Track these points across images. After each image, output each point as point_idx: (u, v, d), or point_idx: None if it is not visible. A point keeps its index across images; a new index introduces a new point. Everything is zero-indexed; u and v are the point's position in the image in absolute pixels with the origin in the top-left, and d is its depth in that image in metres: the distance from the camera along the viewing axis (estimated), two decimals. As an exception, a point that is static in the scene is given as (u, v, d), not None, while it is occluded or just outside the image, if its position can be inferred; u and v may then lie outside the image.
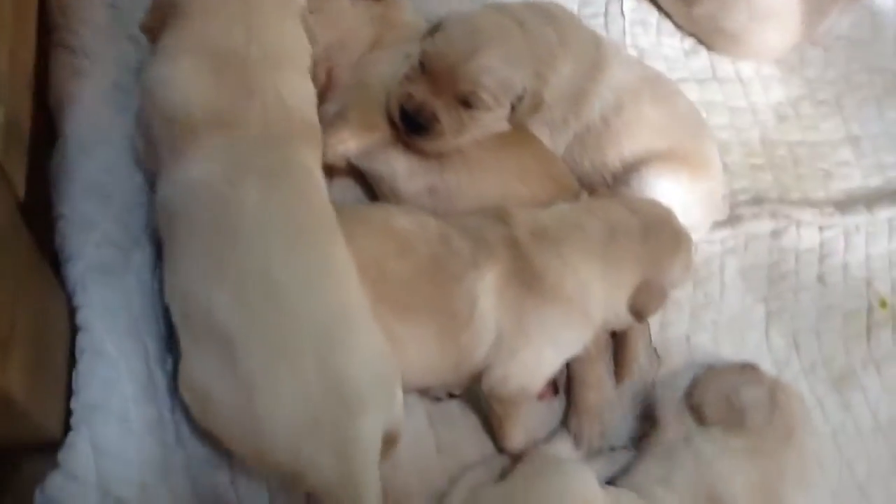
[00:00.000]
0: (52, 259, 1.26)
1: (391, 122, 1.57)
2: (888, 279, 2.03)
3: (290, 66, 1.32)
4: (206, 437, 1.23)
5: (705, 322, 1.85)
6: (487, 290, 1.43)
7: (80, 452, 1.12)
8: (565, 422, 1.64)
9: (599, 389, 1.64)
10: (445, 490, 1.51)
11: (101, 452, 1.14)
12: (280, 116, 1.26)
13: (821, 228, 2.03)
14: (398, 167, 1.60)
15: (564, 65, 1.68)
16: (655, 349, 1.77)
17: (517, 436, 1.56)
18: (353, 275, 1.27)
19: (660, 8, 2.20)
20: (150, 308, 1.29)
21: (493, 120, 1.58)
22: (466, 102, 1.53)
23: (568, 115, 1.73)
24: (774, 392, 1.59)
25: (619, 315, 1.52)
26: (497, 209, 1.53)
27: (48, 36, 1.40)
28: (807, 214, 2.02)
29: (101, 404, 1.15)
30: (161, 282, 1.23)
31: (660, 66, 2.10)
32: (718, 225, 1.93)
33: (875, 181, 2.17)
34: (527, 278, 1.44)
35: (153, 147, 1.27)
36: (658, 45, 2.17)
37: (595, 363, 1.63)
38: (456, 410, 1.60)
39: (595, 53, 1.74)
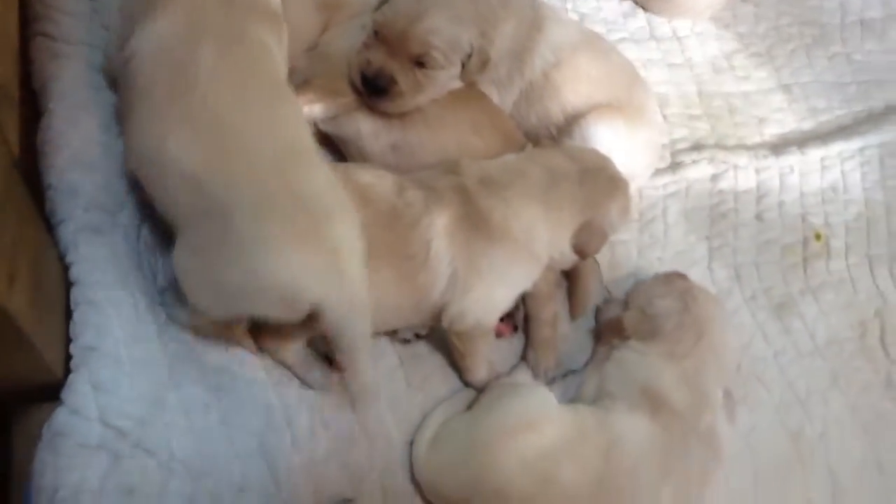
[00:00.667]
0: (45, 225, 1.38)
1: (354, 89, 1.70)
2: (821, 214, 2.18)
3: None
4: (206, 290, 1.32)
5: (651, 259, 1.99)
6: (439, 233, 1.55)
7: (80, 390, 1.25)
8: (524, 356, 1.78)
9: (553, 325, 1.77)
10: (418, 421, 1.64)
11: (100, 389, 1.26)
12: None
13: (757, 171, 2.18)
14: (363, 128, 1.74)
15: (506, 24, 1.82)
16: (606, 287, 1.92)
17: (480, 370, 1.69)
18: (303, 132, 1.41)
19: (597, -26, 2.33)
20: (136, 262, 1.43)
21: (447, 78, 1.72)
22: (420, 63, 1.67)
23: (513, 72, 1.86)
24: (685, 298, 1.72)
25: (564, 253, 1.65)
26: (449, 162, 1.66)
27: (28, 27, 1.52)
28: (743, 158, 2.16)
29: (97, 347, 1.27)
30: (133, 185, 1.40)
31: (600, 28, 2.24)
32: (660, 171, 2.08)
33: (807, 125, 2.31)
34: (475, 221, 1.56)
35: (127, 17, 1.39)
36: (598, 9, 2.30)
37: (548, 301, 1.77)
38: (424, 350, 1.73)
39: (533, 13, 1.88)
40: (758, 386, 1.91)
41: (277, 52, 1.43)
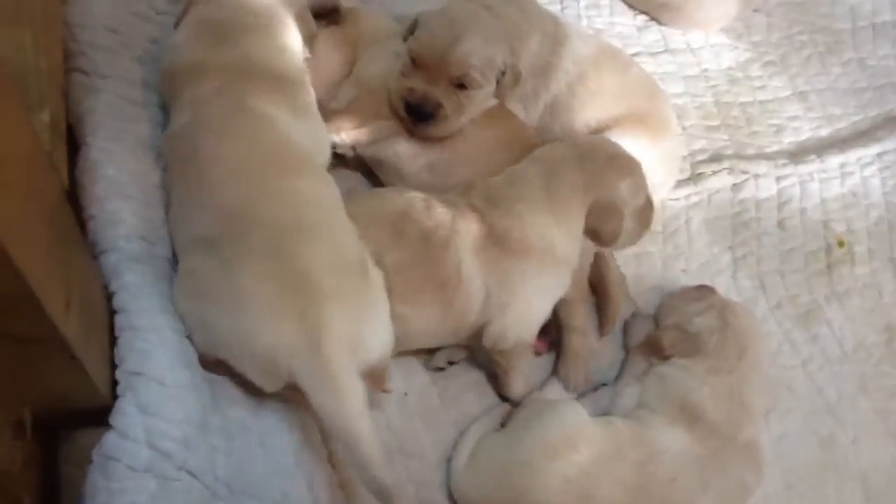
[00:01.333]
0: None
1: (397, 116, 1.74)
2: (843, 220, 2.21)
3: (264, 31, 1.55)
4: (197, 331, 1.36)
5: (676, 271, 2.02)
6: (468, 253, 1.57)
7: (128, 414, 1.26)
8: (555, 371, 1.79)
9: (584, 335, 1.79)
10: (452, 438, 1.66)
11: (146, 412, 1.28)
12: (240, 65, 1.48)
13: (777, 179, 2.20)
14: (401, 150, 1.78)
15: (531, 39, 1.87)
16: (633, 300, 1.94)
17: (518, 385, 1.71)
18: (314, 203, 1.42)
19: (611, -11, 2.36)
20: (176, 291, 1.46)
21: (485, 97, 1.76)
22: (461, 85, 1.71)
23: (538, 87, 1.90)
24: (724, 314, 1.74)
25: (583, 243, 1.65)
26: (466, 185, 1.69)
27: (65, 63, 1.56)
28: (763, 167, 2.19)
29: (142, 371, 1.29)
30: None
31: (615, 43, 2.27)
32: (682, 183, 2.11)
33: (824, 131, 2.34)
34: (497, 239, 1.59)
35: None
36: (612, 24, 2.34)
37: (578, 308, 1.78)
38: (456, 368, 1.75)
39: (555, 28, 1.92)
40: (787, 394, 1.92)
41: (284, 117, 1.47)
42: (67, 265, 1.00)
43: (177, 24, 1.60)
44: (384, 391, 1.59)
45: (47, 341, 0.92)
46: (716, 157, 2.19)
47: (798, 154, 2.25)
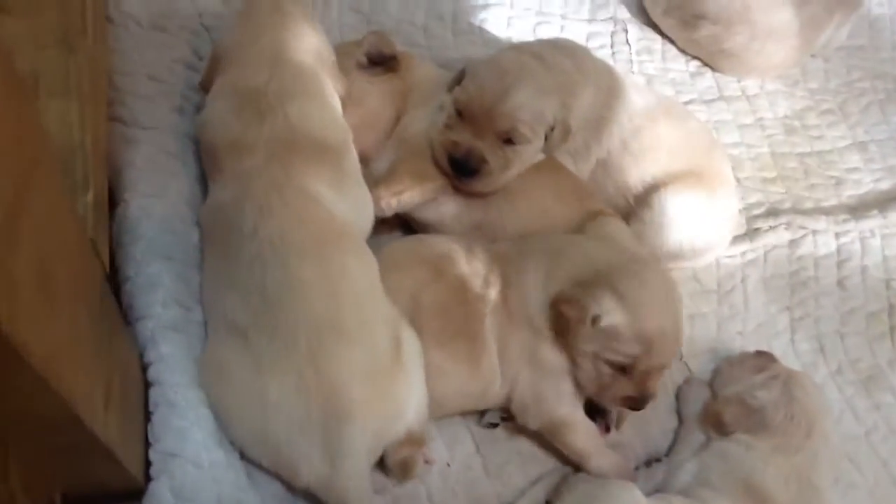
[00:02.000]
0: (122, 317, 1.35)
1: (441, 171, 1.66)
2: (906, 279, 2.10)
3: (303, 95, 1.49)
4: (218, 423, 1.32)
5: (731, 333, 1.91)
6: (491, 309, 1.51)
7: (162, 499, 1.20)
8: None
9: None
10: (498, 512, 1.57)
11: (182, 498, 1.21)
12: (283, 138, 1.42)
13: (836, 235, 2.10)
14: (445, 211, 1.70)
15: (584, 93, 1.79)
16: (686, 363, 1.84)
17: (595, 460, 1.57)
18: (356, 288, 1.37)
19: (663, 34, 2.29)
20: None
21: (532, 152, 1.68)
22: (508, 140, 1.63)
23: (590, 141, 1.82)
24: (789, 386, 1.63)
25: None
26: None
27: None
28: (821, 222, 2.09)
29: (178, 453, 1.23)
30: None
31: (668, 90, 2.20)
32: (737, 239, 2.01)
33: (885, 184, 2.24)
34: (505, 299, 1.51)
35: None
36: (664, 70, 2.26)
37: None
38: (501, 435, 1.65)
39: (610, 80, 1.84)
40: (850, 467, 1.81)
41: (328, 191, 1.42)
42: (108, 359, 0.94)
43: (204, 86, 1.55)
44: (427, 462, 1.53)
45: (85, 445, 0.86)
46: (772, 212, 2.10)
47: (858, 209, 2.16)
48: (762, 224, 2.06)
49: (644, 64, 2.25)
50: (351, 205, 1.48)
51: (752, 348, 1.84)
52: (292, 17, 1.56)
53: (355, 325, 1.33)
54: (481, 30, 2.16)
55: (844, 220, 2.11)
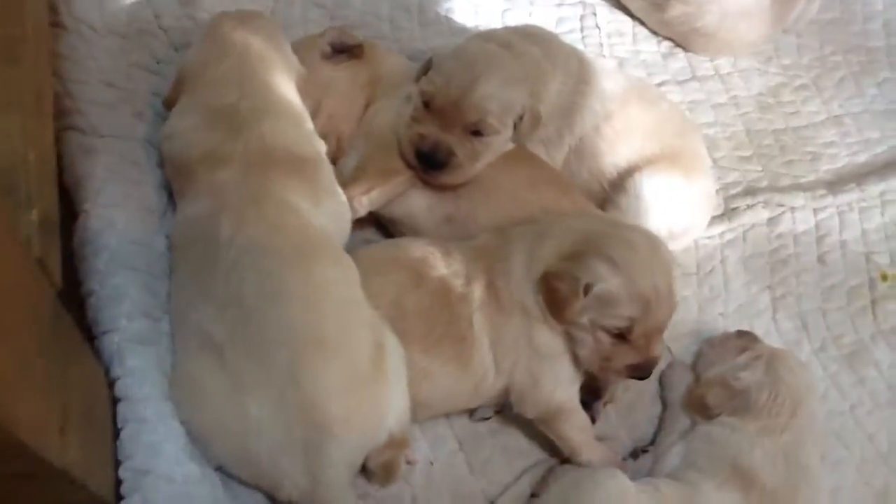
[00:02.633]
0: (85, 330, 1.32)
1: (408, 164, 1.63)
2: (886, 251, 2.09)
3: (275, 114, 1.48)
4: (194, 442, 1.29)
5: (713, 315, 1.90)
6: (478, 307, 1.49)
7: (134, 518, 1.18)
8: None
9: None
10: (483, 509, 1.55)
11: (155, 515, 1.19)
12: (259, 152, 1.41)
13: (815, 211, 2.09)
14: (415, 205, 1.67)
15: (553, 80, 1.76)
16: (668, 347, 1.82)
17: (586, 452, 1.56)
18: (336, 297, 1.35)
19: (633, 16, 2.26)
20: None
21: (501, 142, 1.65)
22: (476, 131, 1.60)
23: (562, 129, 1.79)
24: (773, 365, 1.62)
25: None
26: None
27: (58, 121, 1.46)
28: (799, 199, 2.08)
29: (150, 469, 1.19)
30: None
31: (639, 72, 2.18)
32: (715, 220, 2.00)
33: (862, 157, 2.23)
34: (493, 291, 1.50)
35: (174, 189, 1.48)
36: (636, 52, 2.23)
37: None
38: (484, 431, 1.64)
39: (579, 66, 1.81)
40: (836, 443, 1.81)
41: (305, 203, 1.40)
42: (64, 382, 0.91)
43: (168, 104, 1.53)
44: (409, 462, 1.52)
45: (42, 474, 0.83)
46: (750, 191, 2.08)
47: (836, 183, 2.14)
48: (740, 203, 2.04)
49: (615, 47, 2.22)
50: (328, 215, 1.46)
51: (734, 329, 1.83)
52: (257, 35, 1.54)
53: (336, 336, 1.30)
54: (448, 19, 2.12)
55: (822, 196, 2.10)
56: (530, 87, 1.66)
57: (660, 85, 2.17)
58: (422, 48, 2.01)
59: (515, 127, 1.64)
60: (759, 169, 2.13)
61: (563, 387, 1.53)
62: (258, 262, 1.30)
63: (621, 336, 1.46)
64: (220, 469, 1.32)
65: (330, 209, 1.48)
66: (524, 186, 1.69)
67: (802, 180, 2.15)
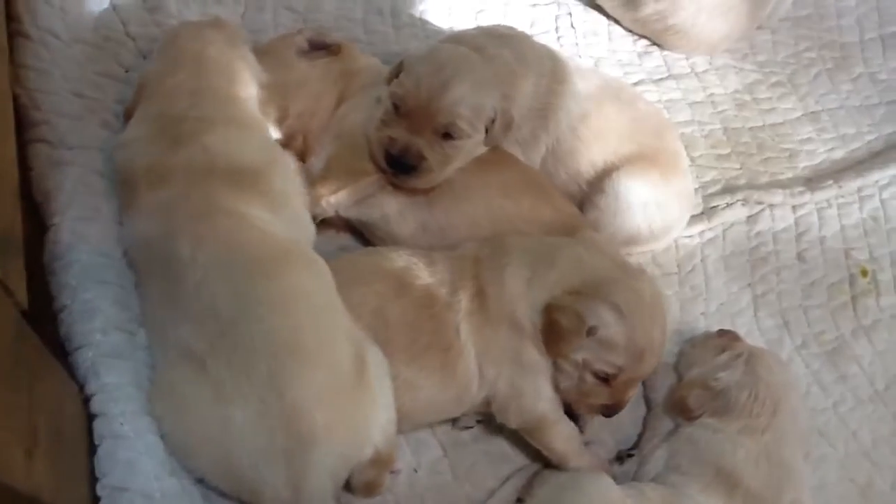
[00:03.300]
0: (58, 346, 1.29)
1: (378, 168, 1.61)
2: (865, 247, 2.10)
3: (223, 124, 1.45)
4: (176, 453, 1.27)
5: (695, 314, 1.90)
6: (464, 316, 1.47)
7: (112, 537, 1.15)
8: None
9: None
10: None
11: (133, 534, 1.16)
12: (201, 165, 1.39)
13: (793, 208, 2.09)
14: (388, 210, 1.65)
15: (526, 82, 1.75)
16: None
17: (574, 460, 1.55)
18: (312, 304, 1.33)
19: (608, 15, 2.25)
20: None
21: (473, 146, 1.63)
22: (447, 134, 1.58)
23: (537, 130, 1.78)
24: (752, 364, 1.61)
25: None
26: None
27: (25, 134, 1.43)
28: (778, 196, 2.08)
29: (127, 486, 1.17)
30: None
31: (615, 71, 2.17)
32: (694, 219, 1.99)
33: (839, 153, 2.24)
34: (482, 300, 1.48)
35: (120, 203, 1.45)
36: (611, 51, 2.23)
37: None
38: (468, 438, 1.63)
39: (552, 65, 1.80)
40: (820, 440, 1.81)
41: (258, 212, 1.38)
42: (29, 405, 0.88)
43: (127, 115, 1.51)
44: (392, 472, 1.50)
45: (7, 497, 0.80)
46: (728, 189, 2.08)
47: (814, 180, 2.15)
48: (719, 202, 2.04)
49: (590, 46, 2.21)
50: (290, 223, 1.44)
51: (715, 328, 1.83)
52: (214, 45, 1.52)
53: (314, 344, 1.28)
54: (422, 21, 2.11)
55: (800, 193, 2.10)
56: (502, 90, 1.64)
57: (636, 84, 2.16)
58: (396, 51, 1.99)
59: (487, 131, 1.63)
60: (738, 167, 2.13)
61: (544, 399, 1.52)
62: (226, 275, 1.28)
63: (605, 379, 1.47)
64: (200, 482, 1.29)
65: (290, 215, 1.46)
66: (499, 192, 1.67)
67: (780, 177, 2.15)
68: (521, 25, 2.09)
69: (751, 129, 2.21)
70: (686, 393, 1.61)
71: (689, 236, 1.98)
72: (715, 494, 1.48)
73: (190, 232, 1.31)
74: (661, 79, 2.22)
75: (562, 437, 1.54)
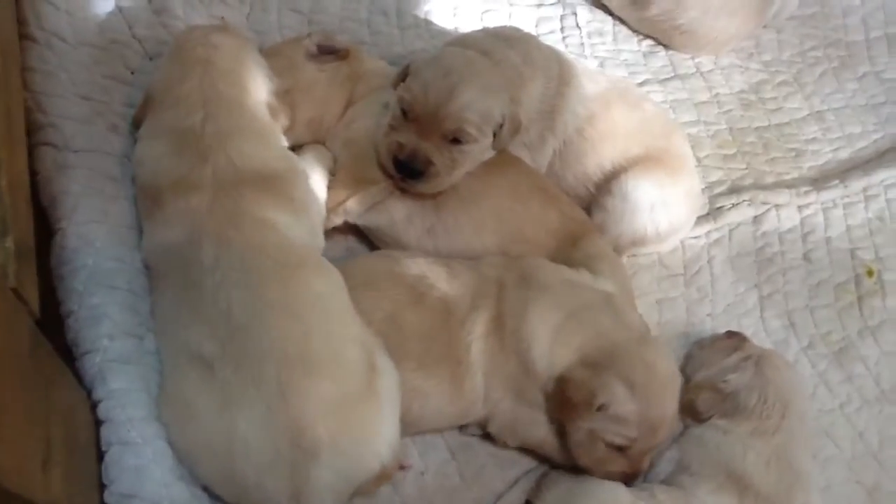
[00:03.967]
0: (66, 351, 1.29)
1: (385, 173, 1.61)
2: (871, 247, 2.09)
3: (240, 133, 1.45)
4: (181, 460, 1.27)
5: (701, 316, 1.89)
6: (478, 337, 1.47)
7: (121, 545, 1.15)
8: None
9: None
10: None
11: (142, 542, 1.16)
12: (229, 175, 1.39)
13: (799, 208, 2.09)
14: (396, 215, 1.64)
15: (533, 84, 1.74)
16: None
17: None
18: (324, 310, 1.33)
19: (614, 15, 2.25)
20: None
21: (481, 151, 1.63)
22: (455, 140, 1.57)
23: (544, 132, 1.77)
24: (761, 366, 1.61)
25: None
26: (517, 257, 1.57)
27: (31, 137, 1.43)
28: (783, 196, 2.07)
29: (136, 493, 1.17)
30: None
31: (621, 71, 2.16)
32: (701, 219, 1.98)
33: (844, 153, 2.23)
34: (499, 326, 1.47)
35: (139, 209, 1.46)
36: (617, 51, 2.22)
37: None
38: (476, 441, 1.61)
39: (559, 68, 1.79)
40: (826, 441, 1.80)
41: (282, 217, 1.39)
42: (45, 415, 0.88)
43: (136, 124, 1.50)
44: (402, 468, 1.51)
45: (27, 511, 0.79)
46: (734, 189, 2.07)
47: (819, 180, 2.14)
48: (725, 202, 2.03)
49: (596, 47, 2.20)
50: (307, 228, 1.45)
51: (722, 330, 1.82)
52: (222, 52, 1.51)
53: (325, 353, 1.28)
54: (427, 22, 2.10)
55: (806, 193, 2.09)
56: (510, 94, 1.63)
57: (641, 84, 2.15)
58: (401, 52, 1.98)
59: (495, 135, 1.62)
60: (744, 167, 2.12)
61: (542, 428, 1.52)
62: (243, 280, 1.28)
63: (619, 448, 1.46)
64: (207, 490, 1.29)
65: (307, 221, 1.46)
66: (507, 196, 1.67)
67: (786, 177, 2.14)
68: (527, 26, 2.09)
69: (756, 128, 2.20)
70: (695, 395, 1.61)
71: (696, 237, 1.97)
72: (726, 496, 1.48)
73: (217, 235, 1.31)
74: (666, 79, 2.21)
75: (561, 453, 1.53)
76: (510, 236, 1.63)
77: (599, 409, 1.41)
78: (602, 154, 1.78)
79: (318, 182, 1.58)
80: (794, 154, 2.19)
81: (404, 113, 1.56)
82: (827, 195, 2.11)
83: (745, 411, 1.57)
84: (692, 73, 2.24)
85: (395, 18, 2.07)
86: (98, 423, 1.23)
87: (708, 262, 1.97)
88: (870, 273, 2.05)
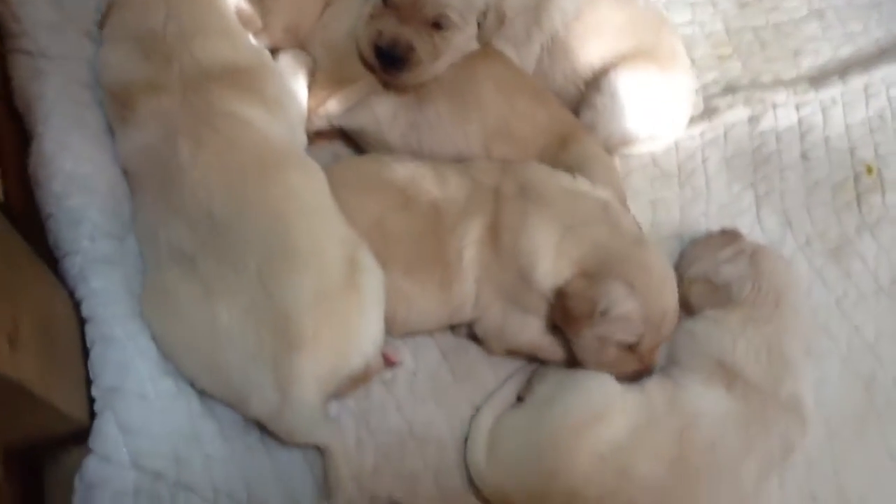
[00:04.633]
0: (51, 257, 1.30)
1: (367, 65, 1.58)
2: (871, 145, 2.05)
3: (203, 31, 1.43)
4: (166, 356, 1.29)
5: (696, 216, 1.87)
6: (472, 243, 1.46)
7: (108, 435, 1.17)
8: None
9: None
10: (468, 415, 1.53)
11: (129, 431, 1.18)
12: (196, 74, 1.38)
13: (797, 107, 2.04)
14: (379, 111, 1.62)
15: None
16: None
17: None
18: (304, 207, 1.33)
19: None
20: (150, 289, 1.34)
21: (464, 40, 1.59)
22: (436, 25, 1.54)
23: (530, 28, 1.73)
24: (756, 259, 1.61)
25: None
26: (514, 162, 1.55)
27: (3, 44, 1.41)
28: (781, 95, 2.03)
29: (119, 386, 1.19)
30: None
31: (615, -29, 2.09)
32: (695, 119, 1.94)
33: (845, 51, 2.17)
34: (496, 235, 1.46)
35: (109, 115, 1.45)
36: (608, -50, 2.15)
37: None
38: (466, 341, 1.61)
39: None
40: (822, 336, 1.80)
41: (257, 113, 1.38)
42: (11, 300, 0.88)
43: (101, 26, 1.47)
44: (393, 363, 1.52)
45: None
46: (730, 89, 2.03)
47: (819, 78, 2.09)
48: (720, 102, 1.99)
49: (586, -54, 2.14)
50: (286, 126, 1.44)
51: (716, 229, 1.80)
52: None
53: (306, 246, 1.28)
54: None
55: (804, 91, 2.04)
56: None
57: (635, -16, 2.09)
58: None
59: (479, 25, 1.58)
60: (740, 66, 2.08)
61: (528, 331, 1.52)
62: (222, 176, 1.28)
63: (628, 347, 1.47)
64: (195, 385, 1.30)
65: (283, 118, 1.44)
66: (492, 87, 1.63)
67: (784, 76, 2.09)
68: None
69: (753, 28, 2.14)
70: (687, 290, 1.61)
71: (690, 137, 1.94)
72: (715, 386, 1.48)
73: (191, 133, 1.31)
74: (659, -22, 2.15)
75: (550, 354, 1.55)
76: (495, 130, 1.61)
77: (603, 314, 1.42)
78: (591, 50, 1.74)
79: (297, 82, 1.56)
80: (792, 53, 2.13)
81: (385, 1, 1.53)
82: (826, 93, 2.06)
83: (738, 300, 1.57)
84: (687, -28, 2.17)
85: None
86: (83, 322, 1.24)
87: (702, 162, 1.94)
88: (869, 170, 2.02)
